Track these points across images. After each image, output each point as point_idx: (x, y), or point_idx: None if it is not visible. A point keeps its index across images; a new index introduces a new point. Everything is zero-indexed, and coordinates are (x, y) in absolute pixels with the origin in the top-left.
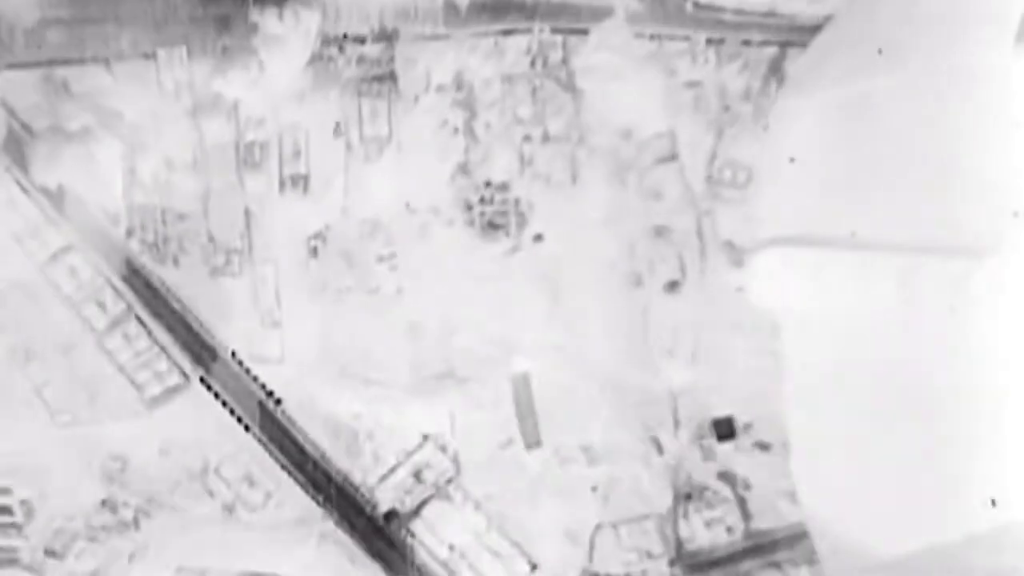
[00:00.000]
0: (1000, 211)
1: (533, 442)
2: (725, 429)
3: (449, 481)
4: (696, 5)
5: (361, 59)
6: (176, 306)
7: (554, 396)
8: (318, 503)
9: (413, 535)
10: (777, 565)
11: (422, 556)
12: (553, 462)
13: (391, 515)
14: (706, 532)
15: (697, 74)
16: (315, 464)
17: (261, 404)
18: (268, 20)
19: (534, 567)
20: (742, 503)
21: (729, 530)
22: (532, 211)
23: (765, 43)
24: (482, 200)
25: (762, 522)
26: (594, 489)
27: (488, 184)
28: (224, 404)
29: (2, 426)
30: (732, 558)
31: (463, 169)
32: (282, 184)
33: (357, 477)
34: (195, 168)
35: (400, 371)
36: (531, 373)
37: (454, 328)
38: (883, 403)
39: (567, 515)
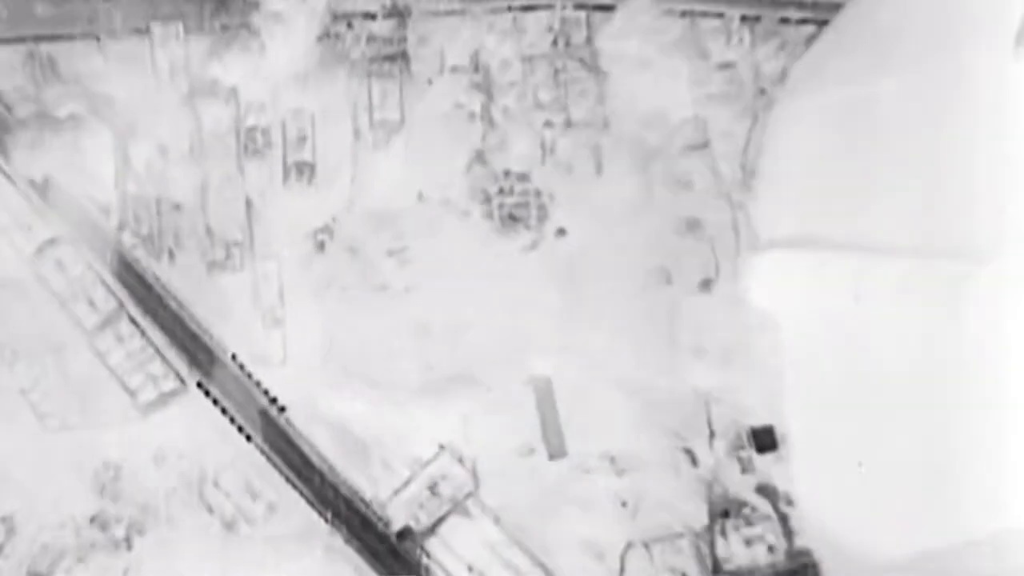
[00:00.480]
0: (999, 214)
1: (558, 452)
2: (766, 440)
3: (468, 496)
4: None
5: (371, 37)
6: (172, 304)
7: (576, 401)
8: (325, 519)
9: (428, 555)
10: None
11: None
12: (576, 472)
13: (405, 533)
14: (745, 551)
15: (730, 55)
16: (322, 476)
17: (263, 411)
18: None
19: None
20: (784, 520)
21: (771, 549)
22: (554, 203)
23: (803, 22)
24: (500, 191)
25: (806, 540)
26: (624, 504)
27: (507, 174)
28: (223, 411)
29: None
30: None
31: (480, 157)
32: (286, 173)
33: (367, 491)
34: (192, 156)
35: (410, 373)
36: (552, 377)
37: (468, 327)
38: (883, 406)
39: (592, 530)
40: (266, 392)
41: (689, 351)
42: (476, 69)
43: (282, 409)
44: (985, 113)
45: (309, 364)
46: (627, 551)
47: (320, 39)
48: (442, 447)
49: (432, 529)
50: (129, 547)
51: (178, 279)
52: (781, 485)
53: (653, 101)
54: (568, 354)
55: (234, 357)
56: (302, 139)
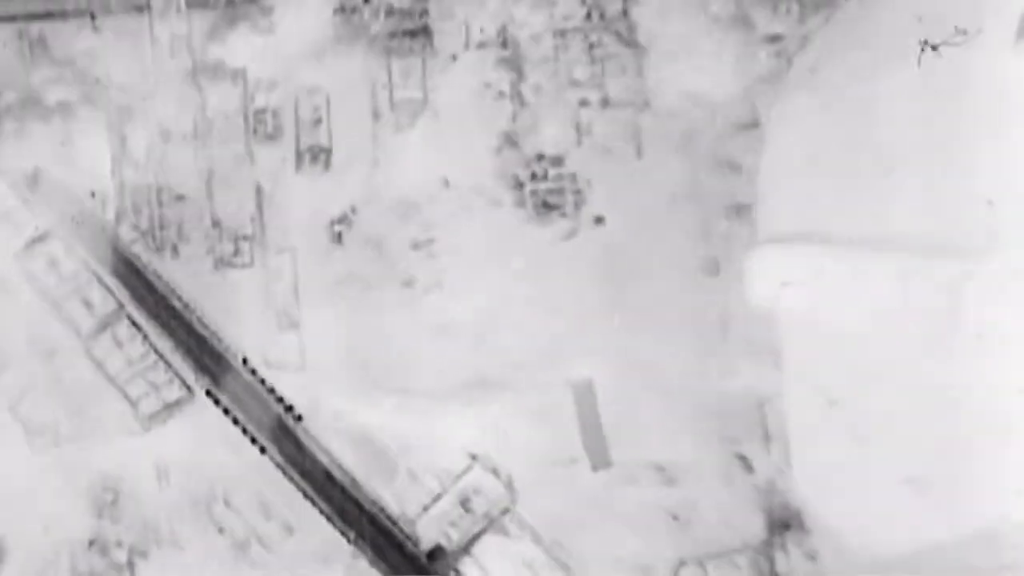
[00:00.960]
0: (1000, 211)
1: (602, 462)
2: None
3: (504, 511)
4: None
5: (390, 11)
6: (176, 304)
7: (619, 406)
8: (348, 539)
9: None
10: None
11: None
12: (621, 484)
13: (436, 553)
14: (808, 566)
15: (778, 27)
16: (343, 492)
17: (278, 420)
18: None
19: None
20: None
21: None
22: (591, 188)
23: None
24: (533, 176)
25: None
26: (674, 518)
27: (540, 157)
28: (234, 421)
29: None
30: None
31: (510, 139)
32: (299, 158)
33: (393, 507)
34: (196, 140)
35: (439, 376)
36: (592, 380)
37: (500, 326)
38: (883, 403)
39: (640, 546)
40: (281, 400)
41: (741, 348)
42: (504, 44)
43: (299, 418)
44: (986, 110)
45: (328, 368)
46: (679, 569)
47: (336, 12)
48: (474, 458)
49: (466, 548)
50: (132, 573)
51: (182, 276)
52: None
53: (696, 77)
54: (610, 354)
55: (245, 362)
56: (317, 121)
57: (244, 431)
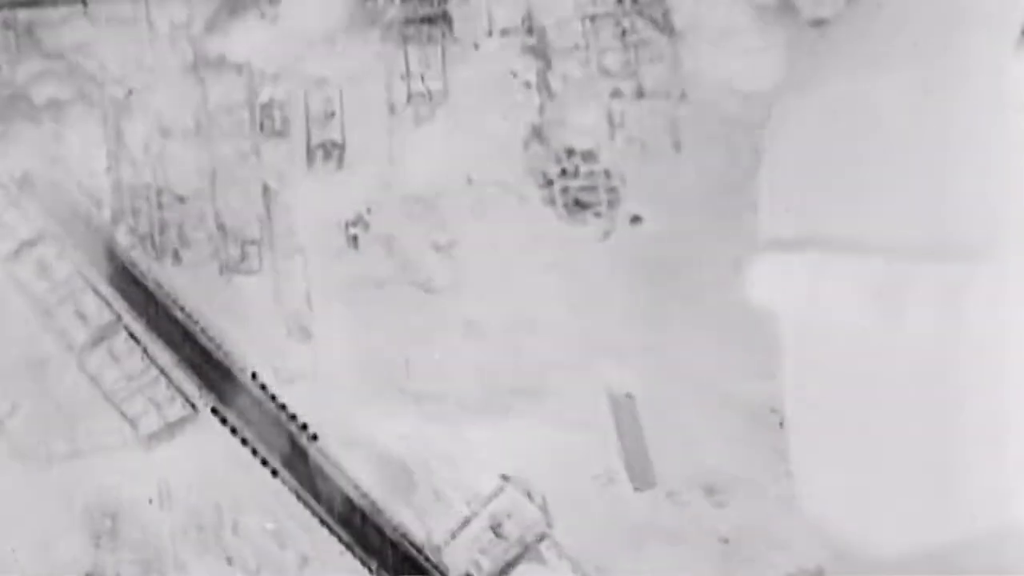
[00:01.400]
0: (999, 215)
1: (645, 481)
2: None
3: (540, 537)
4: None
5: None
6: (178, 314)
7: (663, 418)
8: (369, 569)
9: None
10: None
11: None
12: (666, 504)
13: None
14: None
15: (825, 10)
16: (363, 516)
17: (291, 439)
18: None
19: None
20: None
21: None
22: (626, 186)
23: None
24: (563, 172)
25: None
26: (724, 541)
27: (570, 152)
28: (243, 440)
29: None
30: None
31: (538, 133)
32: (310, 155)
33: (418, 533)
34: (198, 136)
35: (465, 389)
36: (633, 391)
37: (531, 333)
38: (883, 406)
39: (687, 573)
40: (294, 416)
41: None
42: (530, 31)
43: (314, 437)
44: (986, 111)
45: (344, 381)
46: None
47: None
48: (506, 478)
49: None
50: None
51: (185, 284)
52: None
53: (737, 65)
54: (652, 361)
55: (254, 376)
56: (329, 115)
57: (254, 451)
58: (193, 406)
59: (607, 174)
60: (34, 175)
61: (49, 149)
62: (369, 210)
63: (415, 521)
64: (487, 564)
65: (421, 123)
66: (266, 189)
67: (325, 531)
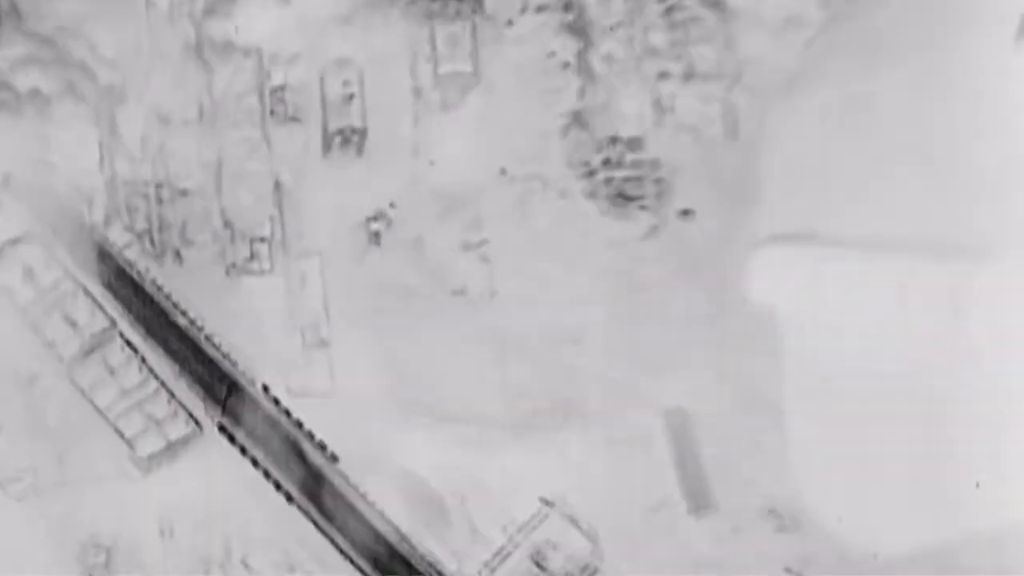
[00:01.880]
0: (1001, 212)
1: (702, 505)
2: None
3: (588, 570)
4: None
5: None
6: (180, 321)
7: (721, 436)
8: None
9: None
10: None
11: None
12: (726, 531)
13: None
14: None
15: None
16: (389, 547)
17: (308, 460)
18: None
19: None
20: None
21: None
22: (676, 176)
23: None
24: (607, 162)
25: None
26: (789, 571)
27: (614, 140)
28: (254, 462)
29: None
30: None
31: (578, 120)
32: (327, 144)
33: (450, 565)
34: (202, 124)
35: (500, 405)
36: (688, 407)
37: (573, 342)
38: (883, 404)
39: None
40: (310, 435)
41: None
42: (568, 7)
43: (333, 458)
44: (986, 109)
45: (365, 396)
46: None
47: None
48: (548, 503)
49: None
50: None
51: (188, 287)
52: None
53: (793, 44)
54: (707, 373)
55: (266, 389)
56: (347, 99)
57: (266, 474)
58: (197, 423)
59: (654, 164)
60: (18, 170)
61: (35, 140)
62: (392, 205)
63: (446, 553)
64: None
65: (449, 108)
66: (277, 182)
67: (346, 563)
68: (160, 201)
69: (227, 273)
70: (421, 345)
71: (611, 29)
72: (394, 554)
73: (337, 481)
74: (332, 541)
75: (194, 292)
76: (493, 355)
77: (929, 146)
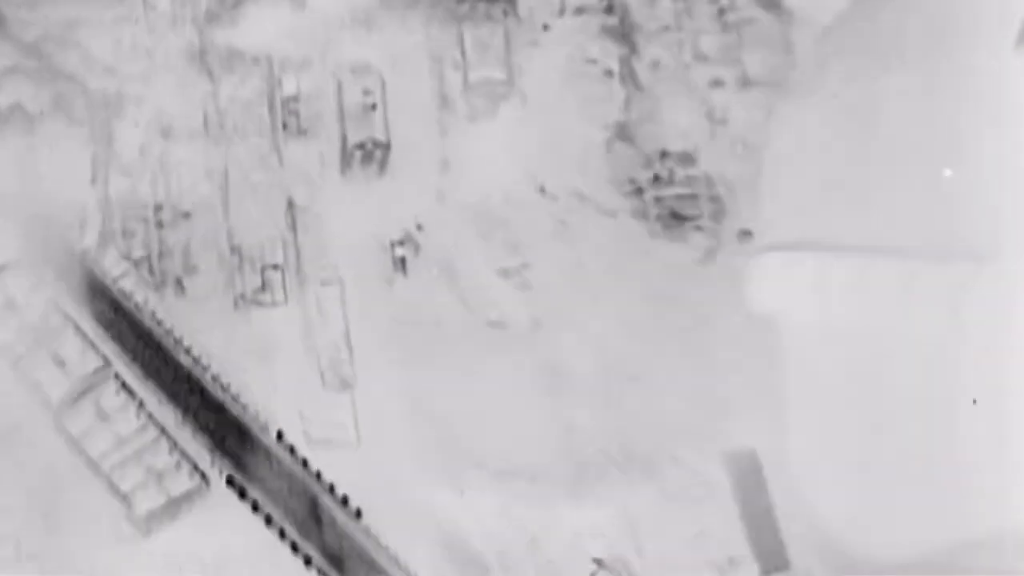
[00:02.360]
0: (1002, 215)
1: (776, 564)
2: None
3: None
4: None
5: None
6: (183, 360)
7: (796, 486)
8: None
9: None
10: None
11: None
12: None
13: None
14: None
15: None
16: None
17: (327, 516)
18: None
19: None
20: None
21: None
22: (733, 195)
23: None
24: (656, 179)
25: None
26: None
27: (663, 155)
28: (268, 520)
29: None
30: None
31: (623, 132)
32: (346, 159)
33: None
34: (206, 137)
35: (546, 452)
36: (758, 450)
37: (626, 380)
38: (884, 408)
39: None
40: (331, 488)
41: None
42: (610, 9)
43: (357, 514)
44: (987, 112)
45: (394, 443)
46: None
47: None
48: (600, 563)
49: None
50: None
51: (191, 321)
52: None
53: None
54: (778, 414)
55: (280, 436)
56: (368, 108)
57: (281, 534)
58: (203, 476)
59: (709, 180)
60: (0, 189)
61: (19, 156)
62: (420, 227)
63: None
64: None
65: (480, 119)
66: (291, 202)
67: None
68: (160, 224)
69: (236, 305)
70: (456, 385)
71: (658, 33)
72: None
73: (362, 541)
74: None
75: (199, 326)
76: (537, 395)
77: (930, 149)
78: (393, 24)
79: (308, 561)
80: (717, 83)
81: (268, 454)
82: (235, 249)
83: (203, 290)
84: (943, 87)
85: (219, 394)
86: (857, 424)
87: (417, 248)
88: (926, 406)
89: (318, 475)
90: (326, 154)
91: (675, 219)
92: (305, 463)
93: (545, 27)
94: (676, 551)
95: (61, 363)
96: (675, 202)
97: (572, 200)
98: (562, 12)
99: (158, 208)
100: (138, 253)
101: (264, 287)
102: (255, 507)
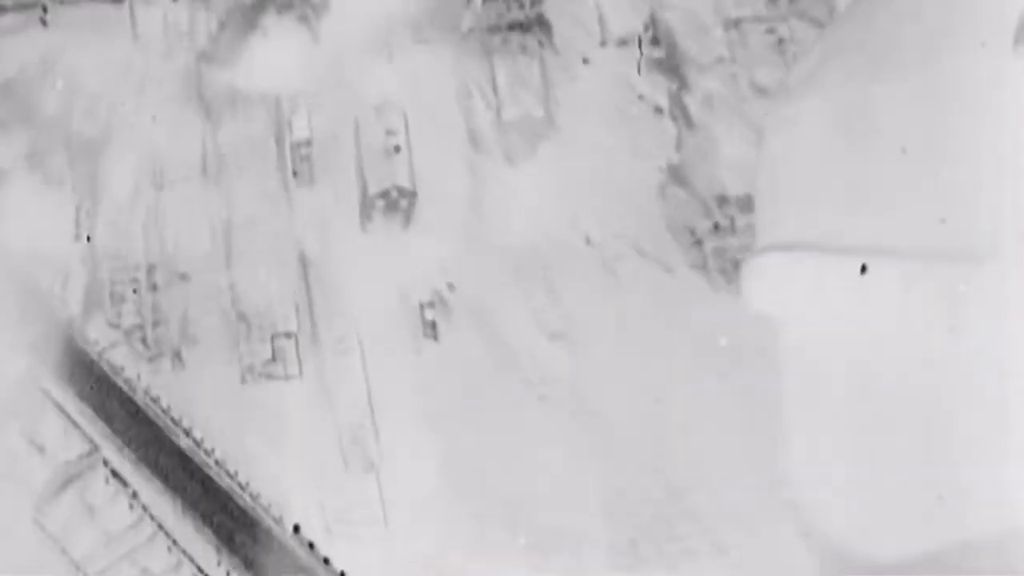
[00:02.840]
0: (1000, 216)
1: None
2: None
3: None
4: None
5: None
6: (183, 443)
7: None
8: None
9: None
10: None
11: None
12: None
13: None
14: None
15: None
16: None
17: None
18: None
19: None
20: None
21: None
22: None
23: None
24: (715, 228)
25: None
26: None
27: (722, 200)
28: None
29: None
30: None
31: (677, 175)
32: (366, 210)
33: None
34: (205, 186)
35: (597, 525)
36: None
37: (688, 452)
38: (884, 409)
39: None
40: None
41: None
42: (656, 40)
43: None
44: (985, 113)
45: (427, 530)
46: None
47: None
48: None
49: None
50: None
51: (192, 398)
52: None
53: None
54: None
55: (297, 530)
56: (390, 152)
57: None
58: None
59: None
60: None
61: None
62: (451, 286)
63: None
64: None
65: (517, 161)
66: (304, 259)
67: None
68: (154, 287)
69: (243, 379)
70: (495, 460)
71: (710, 65)
72: None
73: None
74: None
75: (200, 404)
76: (584, 464)
77: (928, 150)
78: (418, 56)
79: None
80: None
81: (283, 551)
82: (241, 315)
83: (205, 362)
84: (941, 88)
85: (225, 482)
86: (857, 424)
87: (448, 309)
88: (926, 406)
89: (341, 575)
90: (343, 204)
91: (737, 271)
92: (327, 561)
93: (585, 60)
94: None
95: (40, 448)
96: (737, 252)
97: (623, 247)
98: (603, 43)
99: (151, 268)
100: (129, 321)
101: (275, 358)
102: None
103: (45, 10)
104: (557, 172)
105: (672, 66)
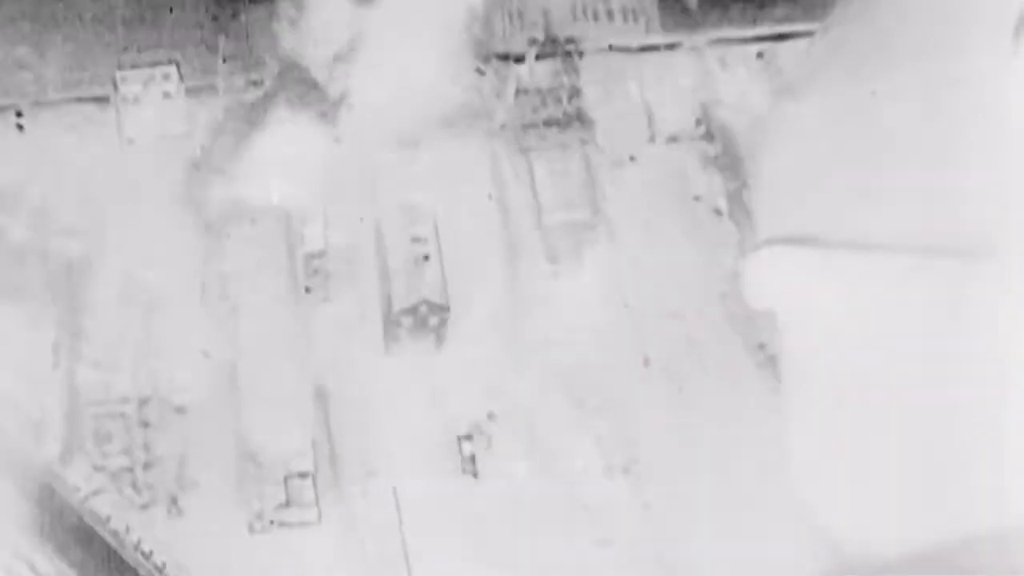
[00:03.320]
0: (999, 213)
1: None
2: None
3: None
4: None
5: (522, 89)
6: None
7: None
8: None
9: None
10: None
11: None
12: None
13: None
14: None
15: None
16: None
17: None
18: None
19: None
20: None
21: None
22: None
23: None
24: None
25: None
26: None
27: None
28: None
29: None
30: None
31: (739, 280)
32: (391, 331)
33: None
34: (204, 306)
35: None
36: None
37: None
38: (884, 405)
39: None
40: None
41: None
42: (710, 135)
43: None
44: (985, 111)
45: None
46: None
47: (434, 84)
48: None
49: None
50: None
51: (191, 552)
52: None
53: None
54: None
55: None
56: (420, 261)
57: None
58: None
59: None
60: None
61: None
62: (491, 416)
63: None
64: None
65: (563, 272)
66: (320, 389)
67: None
68: (145, 424)
69: (251, 528)
70: None
71: None
72: None
73: None
74: None
75: (202, 559)
76: None
77: (928, 147)
78: (448, 154)
79: None
80: None
81: None
82: (247, 454)
83: (206, 509)
84: (941, 86)
85: None
86: (856, 419)
87: (490, 443)
88: (926, 405)
89: None
90: (365, 324)
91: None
92: None
93: (631, 159)
94: None
95: None
96: None
97: (685, 363)
98: (652, 139)
99: (142, 402)
100: (116, 463)
101: (289, 502)
102: None
103: (20, 114)
104: (608, 281)
105: (729, 163)
